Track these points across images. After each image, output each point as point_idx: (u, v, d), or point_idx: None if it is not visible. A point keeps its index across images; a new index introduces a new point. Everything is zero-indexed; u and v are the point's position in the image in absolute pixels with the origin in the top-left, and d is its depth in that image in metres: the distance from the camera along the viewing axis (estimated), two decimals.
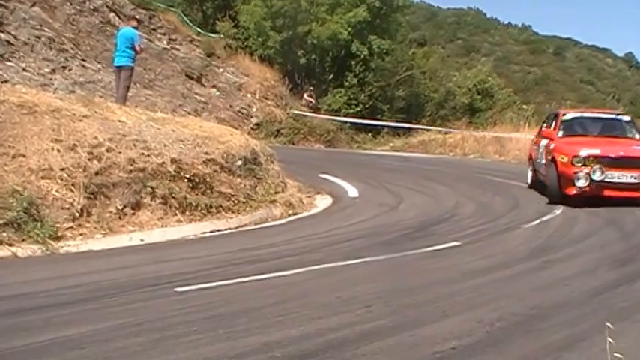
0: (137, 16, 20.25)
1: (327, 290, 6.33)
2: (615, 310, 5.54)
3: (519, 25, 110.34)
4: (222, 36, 30.43)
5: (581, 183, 11.83)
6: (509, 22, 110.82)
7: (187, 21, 30.00)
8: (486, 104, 36.94)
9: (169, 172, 10.08)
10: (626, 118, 14.73)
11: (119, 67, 14.76)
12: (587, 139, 13.28)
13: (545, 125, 15.35)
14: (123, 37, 14.83)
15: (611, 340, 3.78)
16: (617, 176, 12.05)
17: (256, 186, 11.79)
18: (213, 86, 27.56)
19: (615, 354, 3.69)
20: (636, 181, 11.97)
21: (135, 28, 15.33)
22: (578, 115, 14.66)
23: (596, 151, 12.21)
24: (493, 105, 36.95)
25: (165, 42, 26.73)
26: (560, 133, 13.61)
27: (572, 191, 11.94)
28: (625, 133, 13.78)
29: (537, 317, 5.39)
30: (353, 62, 31.97)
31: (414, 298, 6.02)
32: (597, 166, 11.83)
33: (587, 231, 9.90)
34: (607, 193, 11.94)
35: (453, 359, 4.49)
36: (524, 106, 35.09)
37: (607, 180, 11.92)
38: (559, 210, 11.67)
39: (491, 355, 4.57)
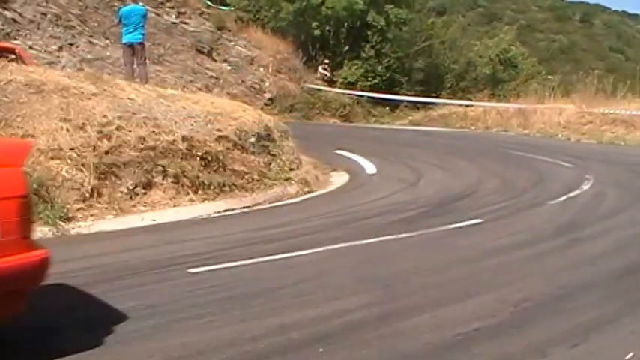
0: None
1: (345, 270, 6.23)
2: None
3: None
4: (232, 8, 30.17)
5: None
6: None
7: None
8: (509, 75, 36.55)
9: (181, 150, 9.93)
10: None
11: (131, 45, 14.77)
12: None
13: None
14: (135, 13, 14.83)
15: None
16: None
17: (270, 163, 11.66)
18: (225, 61, 27.36)
19: None
20: None
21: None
22: None
23: None
24: (516, 76, 36.60)
25: (174, 16, 26.49)
26: None
27: None
28: None
29: (564, 297, 5.25)
30: (369, 33, 31.57)
31: (435, 277, 5.90)
32: None
33: (616, 207, 9.71)
34: None
35: (475, 341, 4.36)
36: (549, 77, 34.80)
37: None
38: (587, 185, 11.46)
39: (515, 337, 4.45)
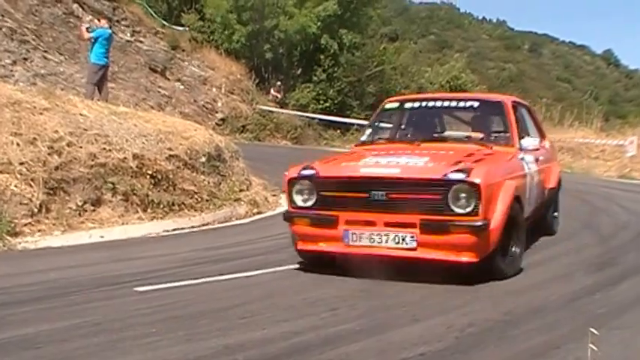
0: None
1: (293, 292, 6.25)
2: (592, 316, 5.42)
3: (494, 21, 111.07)
4: (187, 28, 30.11)
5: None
6: (483, 17, 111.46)
7: (152, 13, 29.60)
8: None
9: (131, 167, 9.92)
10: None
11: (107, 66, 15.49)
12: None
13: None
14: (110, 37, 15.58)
15: (594, 348, 3.70)
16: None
17: (220, 183, 11.67)
18: (178, 80, 27.28)
19: None
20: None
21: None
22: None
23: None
24: None
25: (128, 34, 26.34)
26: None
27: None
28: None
29: (511, 323, 5.29)
30: (322, 57, 31.76)
31: (382, 301, 5.93)
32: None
33: (563, 234, 9.82)
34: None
35: None
36: None
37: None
38: None
39: None
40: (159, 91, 25.71)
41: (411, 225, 6.23)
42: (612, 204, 13.48)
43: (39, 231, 8.48)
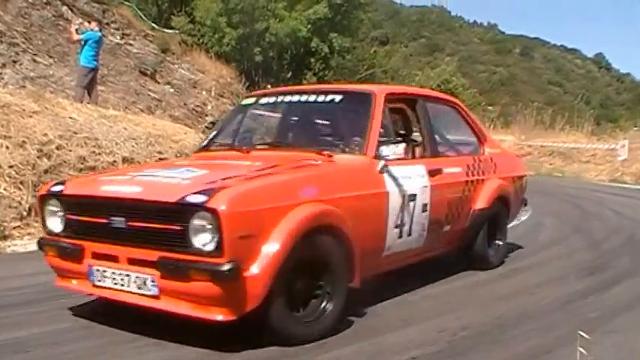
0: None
1: None
2: (584, 320, 5.45)
3: (485, 24, 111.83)
4: (177, 31, 30.12)
5: None
6: (474, 21, 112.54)
7: (142, 15, 29.58)
8: None
9: None
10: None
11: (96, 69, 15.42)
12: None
13: None
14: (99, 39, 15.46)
15: (583, 351, 3.70)
16: None
17: None
18: (168, 83, 27.26)
19: None
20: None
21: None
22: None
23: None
24: None
25: (118, 37, 26.28)
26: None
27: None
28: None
29: (503, 327, 5.31)
30: (312, 60, 31.91)
31: (375, 304, 5.90)
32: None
33: (554, 238, 9.87)
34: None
35: None
36: (489, 108, 35.48)
37: None
38: (525, 216, 11.66)
39: None
40: (149, 94, 25.65)
41: (151, 264, 4.49)
42: (604, 208, 13.54)
43: (28, 234, 8.44)
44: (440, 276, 6.93)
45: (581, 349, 3.85)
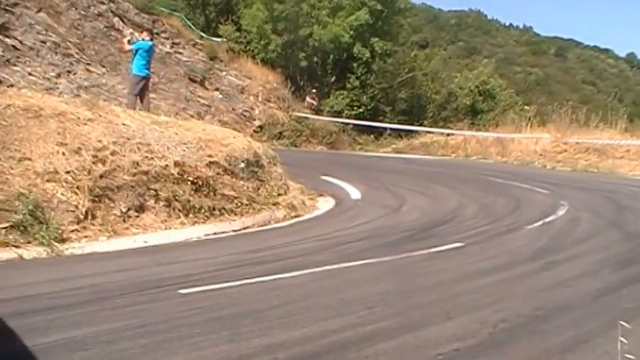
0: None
1: (331, 292, 6.35)
2: (620, 311, 5.52)
3: (520, 27, 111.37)
4: (224, 39, 30.53)
5: None
6: (510, 24, 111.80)
7: (190, 25, 30.08)
8: (488, 105, 37.09)
9: (173, 174, 10.13)
10: None
11: (147, 77, 15.65)
12: None
13: None
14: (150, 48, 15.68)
15: (623, 340, 3.77)
16: None
17: (259, 188, 11.84)
18: (217, 89, 27.62)
19: (626, 355, 3.70)
20: None
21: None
22: None
23: None
24: (495, 106, 37.10)
25: (168, 46, 26.82)
26: None
27: None
28: None
29: (541, 319, 5.39)
30: (355, 64, 32.12)
31: (417, 299, 6.03)
32: None
33: (590, 232, 9.88)
34: None
35: None
36: (526, 107, 35.24)
37: None
38: (562, 211, 11.67)
39: (494, 356, 4.59)
40: (198, 101, 26.08)
41: None
42: (638, 202, 13.40)
43: (85, 237, 8.64)
44: (479, 270, 7.01)
45: (622, 338, 3.93)
